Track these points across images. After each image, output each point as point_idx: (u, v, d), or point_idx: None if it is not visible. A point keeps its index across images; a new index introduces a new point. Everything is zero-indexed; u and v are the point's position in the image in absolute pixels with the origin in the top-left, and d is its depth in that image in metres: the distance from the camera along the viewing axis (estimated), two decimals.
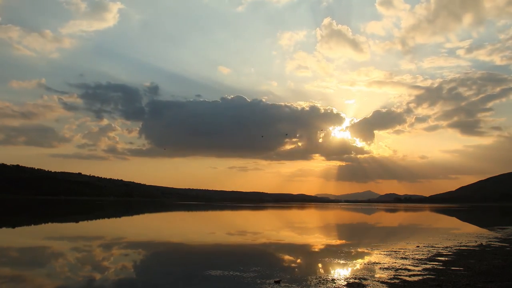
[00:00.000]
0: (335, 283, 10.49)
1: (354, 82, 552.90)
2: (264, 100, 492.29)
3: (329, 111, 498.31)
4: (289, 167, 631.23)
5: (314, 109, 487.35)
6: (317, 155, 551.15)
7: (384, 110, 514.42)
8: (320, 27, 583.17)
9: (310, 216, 61.08)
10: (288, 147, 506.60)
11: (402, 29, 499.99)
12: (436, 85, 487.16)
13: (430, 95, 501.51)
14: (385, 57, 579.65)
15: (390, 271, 12.17)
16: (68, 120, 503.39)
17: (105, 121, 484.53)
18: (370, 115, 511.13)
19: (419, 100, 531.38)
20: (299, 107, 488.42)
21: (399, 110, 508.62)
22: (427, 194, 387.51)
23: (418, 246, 18.76)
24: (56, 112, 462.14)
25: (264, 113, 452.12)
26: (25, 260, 14.42)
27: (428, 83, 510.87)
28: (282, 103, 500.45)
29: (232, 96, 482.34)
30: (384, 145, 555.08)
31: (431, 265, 13.24)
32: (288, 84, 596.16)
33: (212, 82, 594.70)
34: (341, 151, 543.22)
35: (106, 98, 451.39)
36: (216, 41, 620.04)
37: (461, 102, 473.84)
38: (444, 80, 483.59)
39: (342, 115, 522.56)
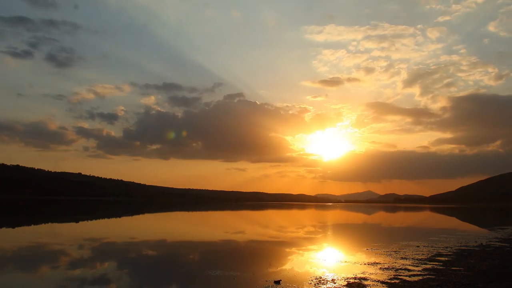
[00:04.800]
0: (335, 283, 10.49)
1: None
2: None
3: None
4: (289, 167, 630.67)
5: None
6: (315, 156, 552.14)
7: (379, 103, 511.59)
8: None
9: (310, 216, 61.09)
10: (288, 147, 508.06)
11: None
12: None
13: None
14: None
15: (390, 271, 12.17)
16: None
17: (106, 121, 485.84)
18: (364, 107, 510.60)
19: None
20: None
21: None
22: (427, 194, 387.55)
23: (418, 246, 18.75)
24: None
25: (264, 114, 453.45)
26: (24, 260, 14.41)
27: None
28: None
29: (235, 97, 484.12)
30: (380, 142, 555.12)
31: (431, 265, 13.24)
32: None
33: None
34: (338, 150, 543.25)
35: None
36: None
37: None
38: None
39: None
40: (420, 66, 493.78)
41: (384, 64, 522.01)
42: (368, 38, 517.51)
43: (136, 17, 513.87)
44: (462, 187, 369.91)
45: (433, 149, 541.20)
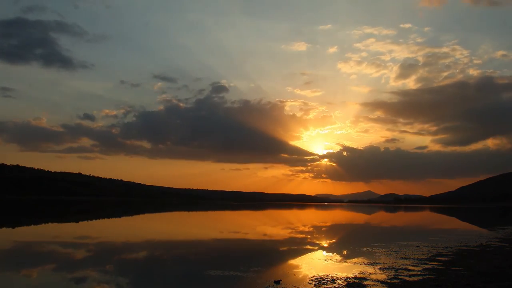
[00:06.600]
0: (335, 283, 10.49)
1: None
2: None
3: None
4: (287, 167, 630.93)
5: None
6: (314, 155, 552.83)
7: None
8: None
9: (311, 216, 61.12)
10: (285, 146, 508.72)
11: None
12: None
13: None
14: None
15: (390, 271, 12.17)
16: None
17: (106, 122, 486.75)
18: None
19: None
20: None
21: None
22: (427, 194, 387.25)
23: (418, 246, 18.75)
24: None
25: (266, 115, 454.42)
26: (23, 260, 14.41)
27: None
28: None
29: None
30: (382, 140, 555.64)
31: (431, 265, 13.24)
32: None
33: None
34: (337, 150, 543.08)
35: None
36: None
37: None
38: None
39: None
40: (413, 60, 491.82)
41: (375, 58, 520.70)
42: (352, 33, 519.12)
43: (124, 18, 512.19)
44: (462, 187, 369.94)
45: (433, 148, 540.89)
